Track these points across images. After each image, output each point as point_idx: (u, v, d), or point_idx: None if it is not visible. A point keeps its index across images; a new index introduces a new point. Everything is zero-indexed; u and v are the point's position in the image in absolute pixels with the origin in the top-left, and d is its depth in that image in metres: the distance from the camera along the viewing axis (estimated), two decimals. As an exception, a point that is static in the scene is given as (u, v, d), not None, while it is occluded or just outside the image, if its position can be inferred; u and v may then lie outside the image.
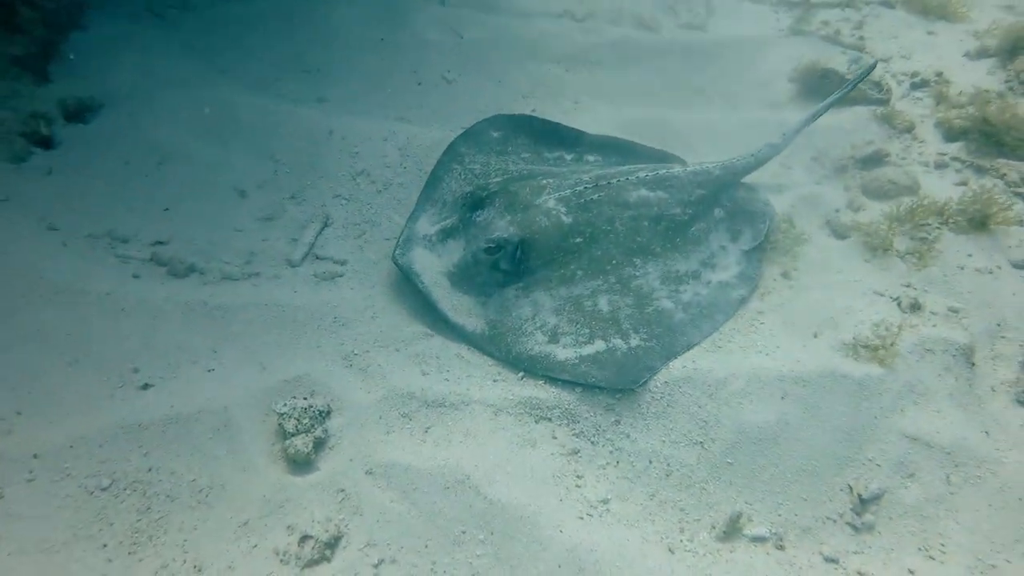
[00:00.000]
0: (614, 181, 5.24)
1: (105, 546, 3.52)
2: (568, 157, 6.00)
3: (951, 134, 7.12)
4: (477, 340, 4.72)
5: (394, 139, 6.11)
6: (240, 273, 4.93)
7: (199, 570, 3.49)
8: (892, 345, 4.77)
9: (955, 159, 6.85)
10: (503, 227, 4.84)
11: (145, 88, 6.14)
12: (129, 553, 3.51)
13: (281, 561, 3.58)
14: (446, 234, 4.98)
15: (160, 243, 5.05)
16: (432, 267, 4.85)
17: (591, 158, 6.00)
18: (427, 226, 5.10)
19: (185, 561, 3.52)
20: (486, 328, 4.74)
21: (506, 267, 4.82)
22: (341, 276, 5.10)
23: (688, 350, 4.70)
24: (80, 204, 5.26)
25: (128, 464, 3.84)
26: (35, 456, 3.78)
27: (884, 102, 7.48)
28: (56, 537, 3.50)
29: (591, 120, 6.73)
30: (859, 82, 6.68)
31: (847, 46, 8.51)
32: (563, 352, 4.57)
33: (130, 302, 4.58)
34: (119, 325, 4.46)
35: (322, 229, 5.37)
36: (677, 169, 5.54)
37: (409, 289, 4.98)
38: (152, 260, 4.90)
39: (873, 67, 6.79)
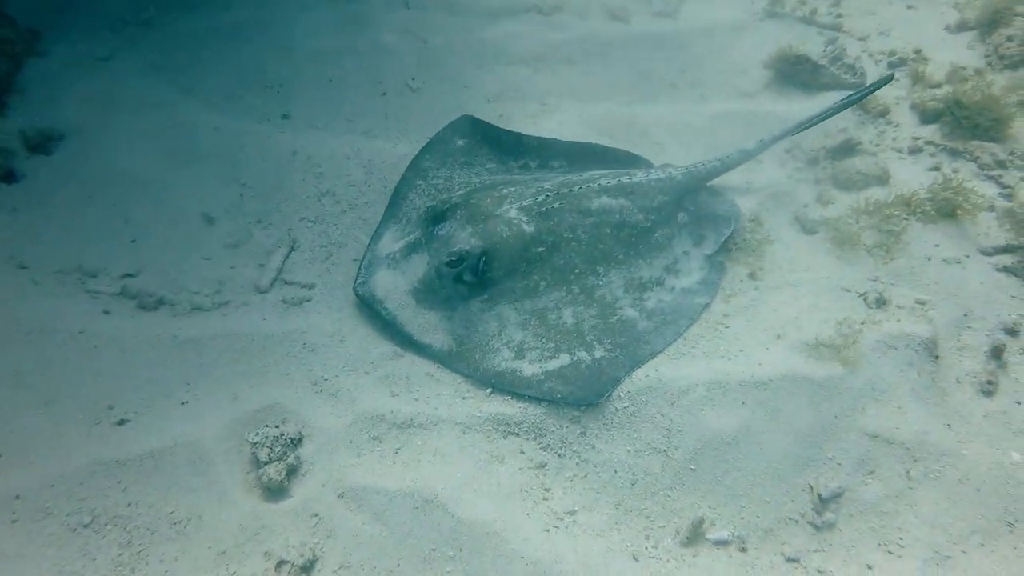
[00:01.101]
0: (575, 189, 5.59)
1: (89, 581, 3.90)
2: (533, 165, 6.36)
3: (926, 116, 7.44)
4: (445, 358, 5.09)
5: (358, 157, 6.47)
6: (210, 303, 5.30)
7: (180, 600, 3.88)
8: (854, 344, 5.13)
9: (929, 143, 7.18)
10: (465, 239, 5.19)
11: (108, 114, 6.50)
12: (113, 587, 3.90)
13: (259, 587, 3.97)
14: (409, 249, 5.35)
15: (129, 275, 5.41)
16: (396, 288, 5.22)
17: (556, 164, 6.36)
18: (390, 244, 5.47)
19: (166, 592, 3.91)
20: (453, 345, 5.11)
21: (470, 279, 5.17)
22: (309, 300, 5.47)
23: (652, 358, 5.07)
24: (48, 239, 5.62)
25: (107, 500, 4.22)
26: (17, 497, 4.16)
27: (859, 85, 7.80)
28: (41, 575, 3.88)
29: (558, 122, 7.09)
30: (865, 96, 6.83)
31: (824, 26, 8.83)
32: (529, 368, 4.95)
33: (102, 339, 4.95)
34: (92, 363, 4.83)
35: (289, 253, 5.73)
36: (639, 175, 5.87)
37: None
38: (122, 294, 5.27)
39: (889, 79, 6.90)
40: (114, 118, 6.45)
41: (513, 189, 5.52)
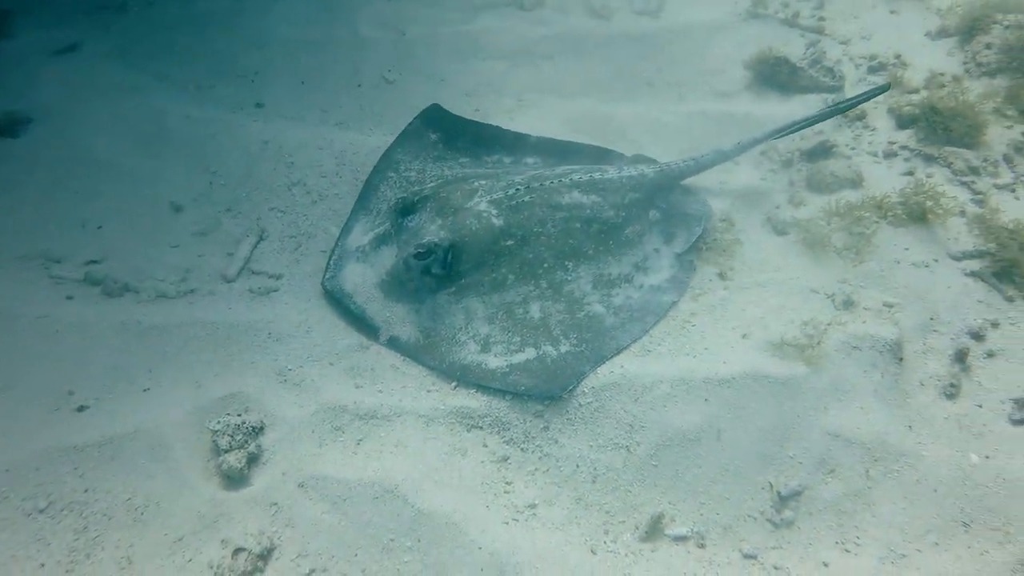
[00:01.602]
0: (547, 183, 5.71)
1: (43, 565, 3.99)
2: (507, 160, 6.48)
3: (902, 121, 7.60)
4: (412, 351, 5.20)
5: (330, 148, 6.57)
6: (175, 291, 5.39)
7: (136, 585, 3.97)
8: (819, 344, 5.27)
9: (904, 147, 7.33)
10: (434, 231, 5.30)
11: (78, 99, 6.58)
12: (67, 572, 3.98)
13: (215, 573, 4.05)
14: (379, 242, 5.46)
15: (94, 262, 5.50)
16: (365, 281, 5.33)
17: (531, 160, 6.48)
18: (360, 237, 5.58)
19: (122, 577, 4.00)
20: (420, 338, 5.22)
21: (437, 272, 5.28)
22: (276, 291, 5.57)
23: (617, 354, 5.19)
24: (12, 223, 5.70)
25: (64, 486, 4.30)
26: (-27, 481, 4.24)
27: (837, 89, 7.96)
28: (-6, 559, 3.98)
29: (535, 118, 7.21)
30: (856, 104, 6.96)
31: (806, 28, 8.98)
32: (495, 361, 5.06)
33: (64, 324, 5.04)
34: (53, 348, 4.91)
35: (257, 243, 5.83)
36: (611, 172, 6.00)
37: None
38: (86, 280, 5.35)
39: (885, 89, 7.04)
40: (84, 103, 6.53)
41: (484, 182, 5.64)
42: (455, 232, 5.29)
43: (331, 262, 5.51)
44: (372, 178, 6.10)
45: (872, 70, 8.40)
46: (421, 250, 5.23)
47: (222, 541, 4.18)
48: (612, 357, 5.15)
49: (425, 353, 5.16)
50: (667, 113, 7.53)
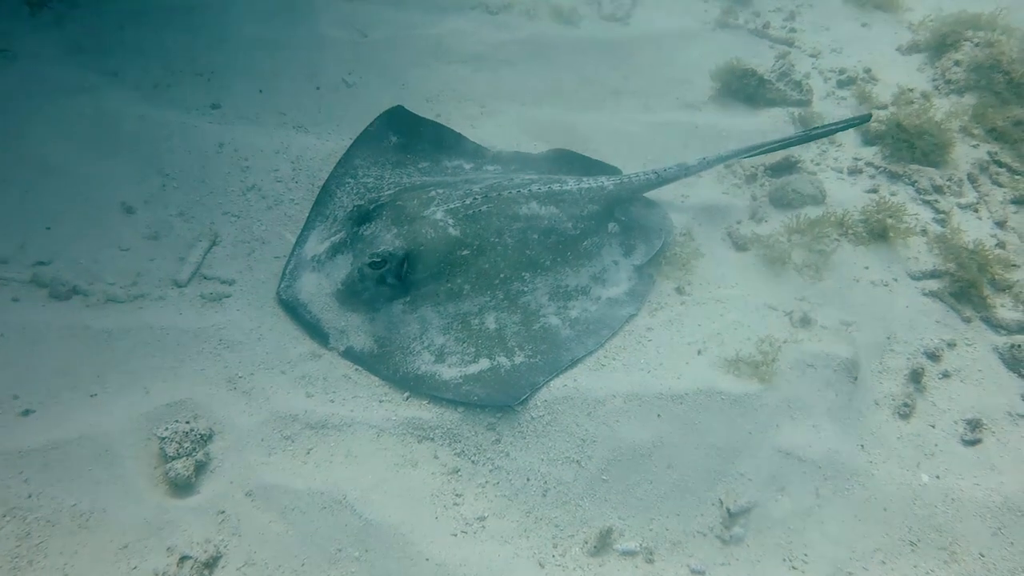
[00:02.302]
0: (504, 193, 5.91)
1: (-14, 571, 4.13)
2: (468, 167, 6.69)
3: (868, 138, 7.91)
4: (367, 361, 5.38)
5: (287, 152, 6.75)
6: (125, 295, 5.53)
7: (79, 592, 4.12)
8: (773, 361, 5.52)
9: (869, 164, 7.64)
10: (389, 240, 5.49)
11: (26, 97, 6.68)
12: (9, 577, 4.13)
13: (160, 582, 4.22)
14: (334, 250, 5.64)
15: (42, 263, 5.62)
16: (320, 291, 5.52)
17: (491, 168, 6.69)
18: (316, 245, 5.76)
19: (65, 583, 4.15)
20: (375, 348, 5.40)
21: (392, 281, 5.47)
22: (229, 297, 5.72)
23: (573, 366, 5.41)
24: (-45, 223, 5.82)
25: (8, 491, 4.44)
26: (-87, 485, 4.37)
27: (804, 103, 8.24)
28: (-67, 564, 4.12)
29: (496, 126, 7.42)
30: (830, 133, 7.16)
31: (776, 40, 9.29)
32: (448, 372, 5.26)
33: (10, 328, 5.17)
34: (-2, 351, 5.05)
35: (210, 248, 5.98)
36: (571, 183, 6.22)
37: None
38: (33, 282, 5.48)
39: (867, 119, 7.25)
40: (32, 101, 6.63)
41: (441, 191, 5.83)
42: (410, 241, 5.48)
43: (286, 271, 5.69)
44: (329, 183, 6.28)
45: (841, 84, 8.71)
46: (376, 259, 5.41)
47: (168, 549, 4.34)
48: (567, 369, 5.36)
49: (380, 363, 5.35)
50: (632, 123, 7.76)
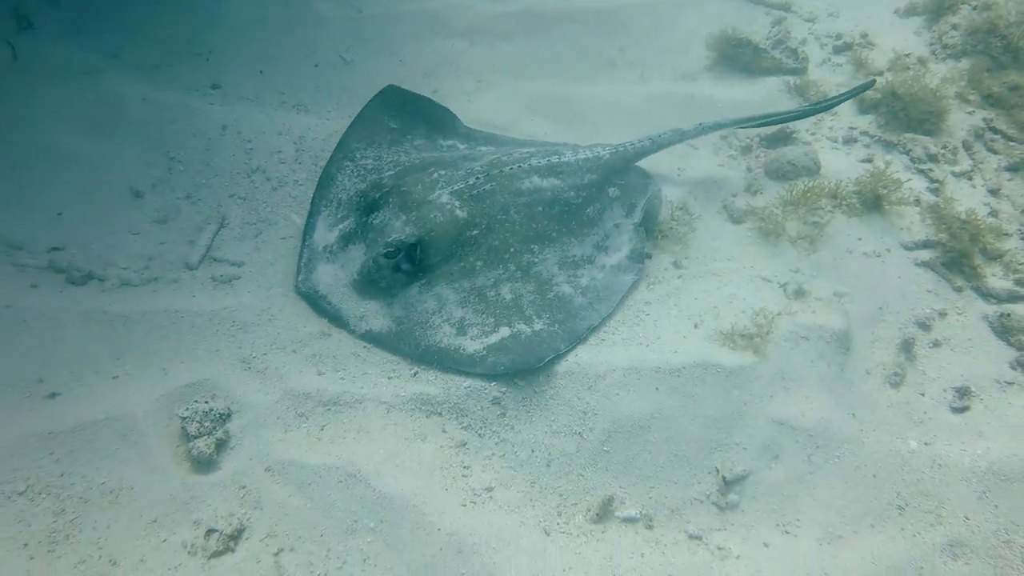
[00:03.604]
0: (506, 170, 6.35)
1: (26, 545, 4.60)
2: (461, 147, 7.11)
3: (864, 106, 8.32)
4: (387, 340, 5.83)
5: (289, 133, 7.18)
6: (139, 279, 5.98)
7: (114, 564, 4.60)
8: (767, 334, 5.98)
9: (864, 133, 8.06)
10: (399, 228, 5.93)
11: (30, 81, 7.09)
12: (48, 551, 4.60)
13: (189, 553, 4.70)
14: (345, 240, 6.07)
15: (56, 249, 6.06)
16: (337, 281, 5.97)
17: (484, 149, 7.11)
18: (325, 234, 6.18)
19: (100, 557, 4.62)
20: (394, 327, 5.86)
21: (407, 268, 5.92)
22: (239, 279, 6.17)
23: (591, 333, 5.91)
24: (-30, 210, 6.25)
25: (41, 470, 4.91)
26: (-47, 466, 4.85)
27: (800, 71, 8.65)
28: (-21, 539, 4.60)
29: (493, 99, 7.85)
30: (835, 105, 7.65)
31: (772, 5, 9.66)
32: (471, 344, 5.74)
33: (31, 314, 5.61)
34: (22, 337, 5.50)
35: (218, 230, 6.42)
36: (568, 155, 6.68)
37: (306, 289, 6.10)
38: (49, 268, 5.92)
39: (869, 85, 7.70)
40: (37, 85, 7.04)
41: (443, 172, 6.27)
42: (420, 227, 5.93)
43: (301, 264, 6.11)
44: (329, 167, 6.70)
45: (837, 50, 9.10)
46: (390, 249, 5.85)
47: (194, 522, 4.82)
48: (587, 338, 5.87)
49: (400, 341, 5.81)
50: (628, 95, 8.17)
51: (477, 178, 6.24)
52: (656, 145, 7.00)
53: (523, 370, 5.59)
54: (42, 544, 4.62)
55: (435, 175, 6.22)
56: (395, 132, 7.00)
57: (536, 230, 6.24)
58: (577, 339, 5.84)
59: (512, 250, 6.12)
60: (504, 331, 5.78)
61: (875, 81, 7.78)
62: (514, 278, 6.04)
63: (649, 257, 6.56)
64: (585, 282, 6.20)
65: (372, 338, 5.85)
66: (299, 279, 6.05)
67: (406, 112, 7.22)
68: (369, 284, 5.95)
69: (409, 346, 5.77)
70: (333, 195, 6.46)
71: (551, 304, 5.97)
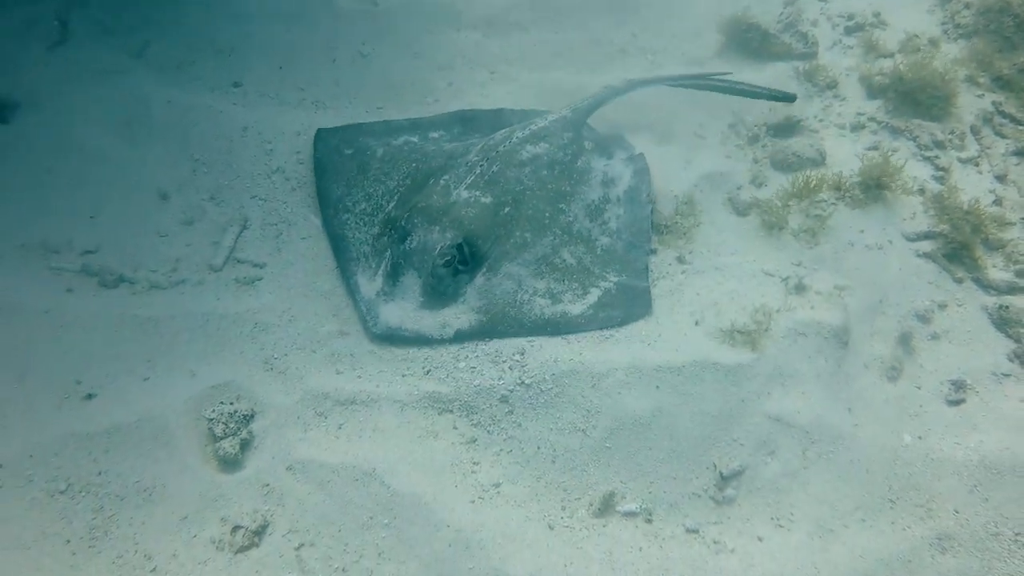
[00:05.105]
0: (500, 149, 6.80)
1: (68, 541, 5.04)
2: (414, 139, 7.44)
3: (872, 91, 8.50)
4: (480, 331, 6.18)
5: (308, 133, 7.48)
6: (167, 281, 6.36)
7: (149, 558, 5.03)
8: (766, 331, 6.29)
9: (872, 119, 8.26)
10: (440, 237, 6.21)
11: (61, 81, 7.44)
12: (89, 547, 5.03)
13: (217, 548, 5.12)
14: (393, 277, 6.27)
15: (89, 252, 6.43)
16: (405, 310, 6.21)
17: (435, 135, 7.51)
18: (370, 284, 6.36)
19: (136, 552, 5.05)
20: (481, 317, 6.23)
21: (463, 267, 6.25)
22: (261, 280, 6.53)
23: (648, 273, 6.60)
24: (10, 211, 6.62)
25: (80, 469, 5.33)
26: (1, 466, 5.27)
27: (810, 56, 8.83)
28: (27, 536, 5.00)
29: (506, 92, 8.13)
30: (755, 95, 8.07)
31: (787, -17, 9.78)
32: (573, 307, 6.27)
33: (67, 318, 6.01)
34: (59, 340, 5.90)
35: (241, 232, 6.78)
36: (541, 122, 7.18)
37: (327, 288, 6.48)
38: (83, 271, 6.30)
39: (791, 99, 8.15)
40: (68, 86, 7.37)
41: (446, 176, 6.62)
42: (459, 226, 6.26)
43: (365, 314, 6.25)
44: (331, 230, 6.82)
45: (849, 31, 9.27)
46: (446, 257, 6.16)
47: (221, 519, 5.23)
48: (647, 275, 6.60)
49: (498, 324, 6.21)
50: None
51: (481, 166, 6.64)
52: (598, 101, 7.63)
53: (637, 320, 6.26)
54: (83, 540, 5.04)
55: (442, 181, 6.57)
56: (357, 161, 7.19)
57: (553, 190, 6.73)
58: (647, 276, 6.56)
59: (548, 213, 6.60)
60: (594, 292, 6.36)
61: (796, 96, 8.14)
62: (565, 241, 6.54)
63: (654, 252, 6.83)
64: (614, 225, 6.77)
65: (466, 336, 6.18)
66: (369, 325, 6.18)
67: (351, 141, 7.39)
68: (437, 297, 6.23)
69: (511, 326, 6.19)
70: (355, 253, 6.60)
71: (604, 258, 6.57)
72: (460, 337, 6.17)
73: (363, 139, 7.38)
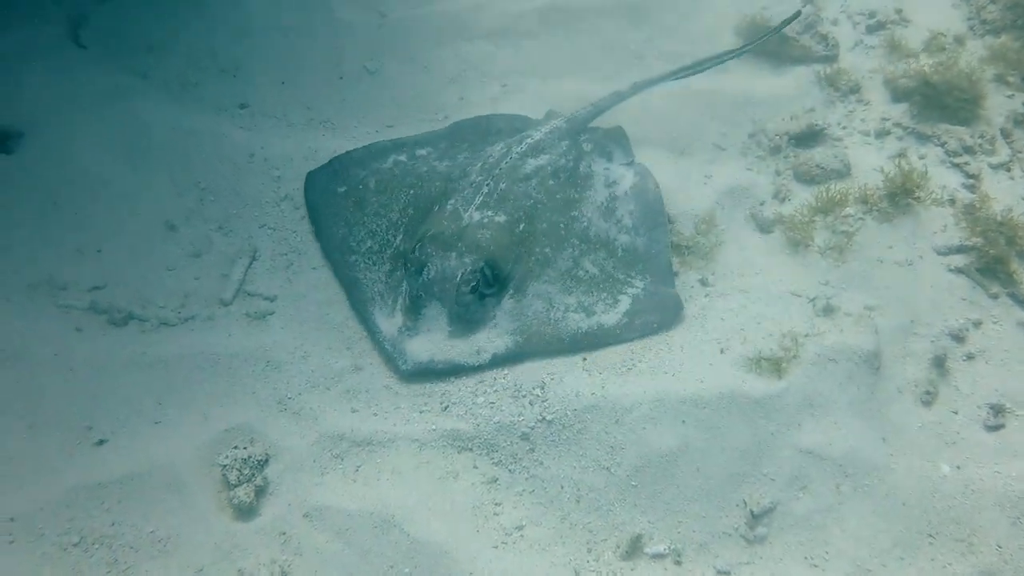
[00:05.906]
0: (503, 165, 6.71)
1: (82, 598, 4.96)
2: (403, 159, 7.28)
3: (897, 95, 8.29)
4: (517, 353, 6.10)
5: (315, 158, 7.36)
6: (176, 318, 6.25)
7: (165, 614, 4.95)
8: (795, 357, 6.12)
9: (898, 125, 8.05)
10: (459, 264, 6.08)
11: (65, 107, 7.32)
12: (103, 603, 4.96)
13: (235, 602, 5.04)
14: (415, 311, 6.14)
15: (97, 288, 6.34)
16: (433, 343, 6.08)
17: (422, 152, 7.34)
18: (391, 323, 6.21)
19: (152, 607, 4.98)
20: (517, 338, 6.15)
21: (489, 291, 6.16)
22: (272, 314, 6.41)
23: (672, 267, 6.57)
24: (15, 246, 6.52)
25: (93, 520, 5.24)
26: (12, 519, 5.17)
27: (831, 58, 8.62)
28: (39, 593, 4.94)
29: (518, 105, 7.97)
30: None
31: (806, -20, 9.57)
32: (608, 318, 6.23)
33: (77, 360, 5.91)
34: (69, 384, 5.80)
35: (250, 264, 6.65)
36: (534, 134, 7.07)
37: (339, 320, 6.36)
38: (92, 308, 6.20)
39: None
40: (71, 112, 7.25)
41: (452, 200, 6.51)
42: (477, 250, 6.15)
43: (391, 354, 6.11)
44: (340, 272, 6.67)
45: (871, 29, 9.06)
46: (471, 283, 6.05)
47: (239, 571, 5.12)
48: (672, 270, 6.57)
49: (533, 344, 6.13)
50: (653, 93, 8.15)
51: (488, 185, 6.53)
52: (598, 109, 7.53)
53: (670, 327, 6.27)
54: (97, 597, 4.95)
55: (448, 206, 6.46)
56: (352, 197, 7.03)
57: (562, 198, 6.66)
58: (671, 272, 6.54)
59: (563, 224, 6.53)
60: (624, 300, 6.31)
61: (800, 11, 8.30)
62: (584, 250, 6.48)
63: (677, 274, 6.68)
64: (628, 222, 6.70)
65: (501, 360, 6.09)
66: (399, 365, 6.04)
67: (341, 174, 7.22)
68: (465, 324, 6.12)
69: (551, 344, 6.12)
70: (370, 294, 6.46)
71: (626, 260, 6.54)
72: (496, 362, 6.07)
73: (353, 171, 7.18)
